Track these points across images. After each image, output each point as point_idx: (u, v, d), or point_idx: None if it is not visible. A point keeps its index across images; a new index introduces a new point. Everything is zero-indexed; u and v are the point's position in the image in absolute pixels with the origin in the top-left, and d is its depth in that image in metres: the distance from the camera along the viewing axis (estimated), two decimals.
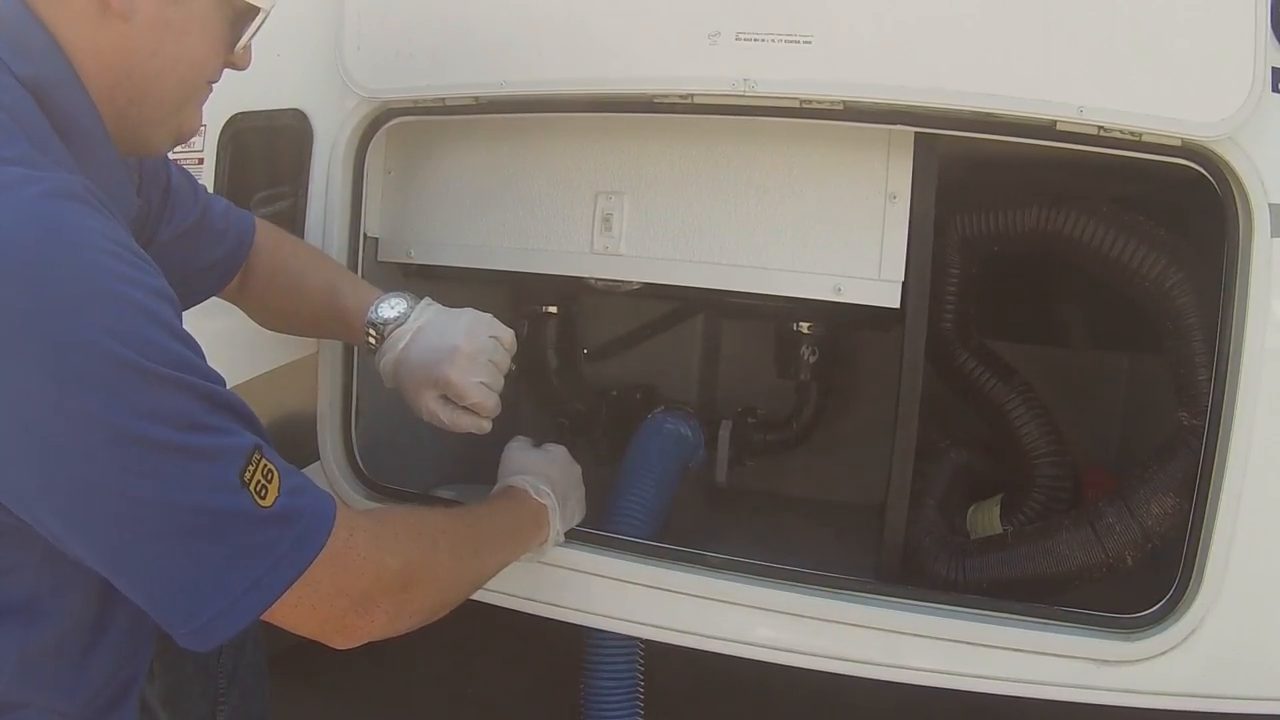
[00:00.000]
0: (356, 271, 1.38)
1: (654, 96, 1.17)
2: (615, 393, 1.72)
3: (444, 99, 1.27)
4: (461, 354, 1.11)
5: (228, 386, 0.79)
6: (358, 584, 0.84)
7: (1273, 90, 1.04)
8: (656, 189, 1.28)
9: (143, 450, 0.71)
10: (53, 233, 0.71)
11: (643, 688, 1.42)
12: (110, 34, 0.86)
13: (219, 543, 0.74)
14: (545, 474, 1.19)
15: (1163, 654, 1.10)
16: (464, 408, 1.13)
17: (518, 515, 1.14)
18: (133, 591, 0.77)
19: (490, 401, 1.13)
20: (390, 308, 1.16)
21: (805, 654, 1.18)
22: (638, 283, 1.35)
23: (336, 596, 0.82)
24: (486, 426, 1.14)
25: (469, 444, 1.71)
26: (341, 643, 0.86)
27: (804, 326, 1.56)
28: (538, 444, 1.26)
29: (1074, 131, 1.07)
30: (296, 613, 0.80)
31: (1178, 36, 1.02)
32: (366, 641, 0.87)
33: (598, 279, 1.37)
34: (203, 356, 0.78)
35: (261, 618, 0.79)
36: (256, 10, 0.94)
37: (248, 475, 0.75)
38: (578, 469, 1.26)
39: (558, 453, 1.24)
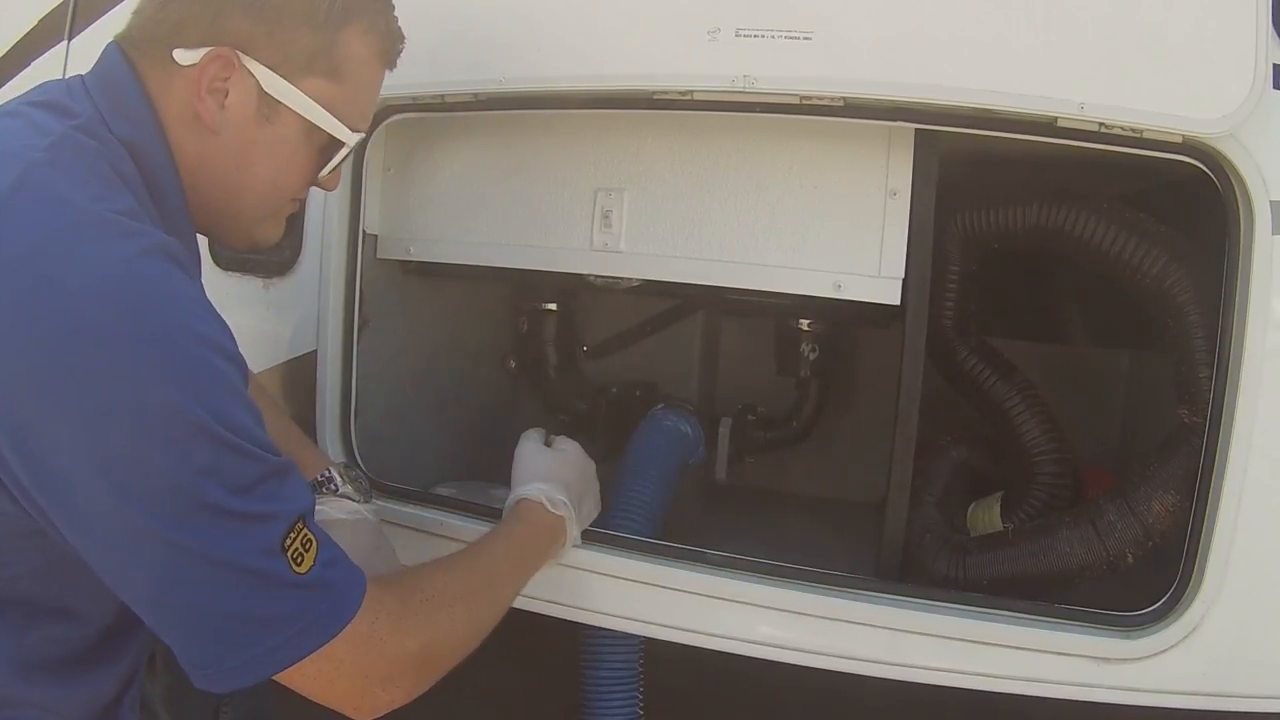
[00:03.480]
0: (356, 270, 1.39)
1: (654, 93, 1.17)
2: (615, 390, 1.72)
3: (443, 96, 1.27)
4: None
5: None
6: (378, 668, 0.85)
7: (1274, 87, 1.04)
8: (656, 186, 1.28)
9: (197, 507, 0.74)
10: (147, 291, 0.74)
11: (642, 686, 1.42)
12: (200, 139, 0.90)
13: (250, 601, 0.76)
14: (560, 479, 1.18)
15: (1163, 652, 1.10)
16: None
17: (534, 537, 1.13)
18: (158, 628, 0.79)
19: None
20: (335, 507, 1.13)
21: (805, 651, 1.18)
22: (637, 279, 1.35)
23: (356, 676, 0.84)
24: None
25: (468, 442, 1.72)
26: (361, 715, 0.87)
27: (804, 323, 1.55)
28: (548, 439, 1.25)
29: (1075, 128, 1.06)
30: (316, 684, 0.82)
31: (1179, 33, 1.02)
32: (383, 713, 0.88)
33: (597, 276, 1.37)
34: (263, 425, 0.81)
35: (283, 683, 0.81)
36: (342, 143, 0.97)
37: (288, 542, 0.78)
38: (592, 465, 1.25)
39: (571, 451, 1.23)
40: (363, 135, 1.00)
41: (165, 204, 0.89)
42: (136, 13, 0.92)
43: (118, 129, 0.86)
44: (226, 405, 0.76)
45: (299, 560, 0.78)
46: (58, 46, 1.82)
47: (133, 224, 0.78)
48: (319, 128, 0.94)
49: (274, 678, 0.81)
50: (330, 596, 0.81)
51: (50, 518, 0.76)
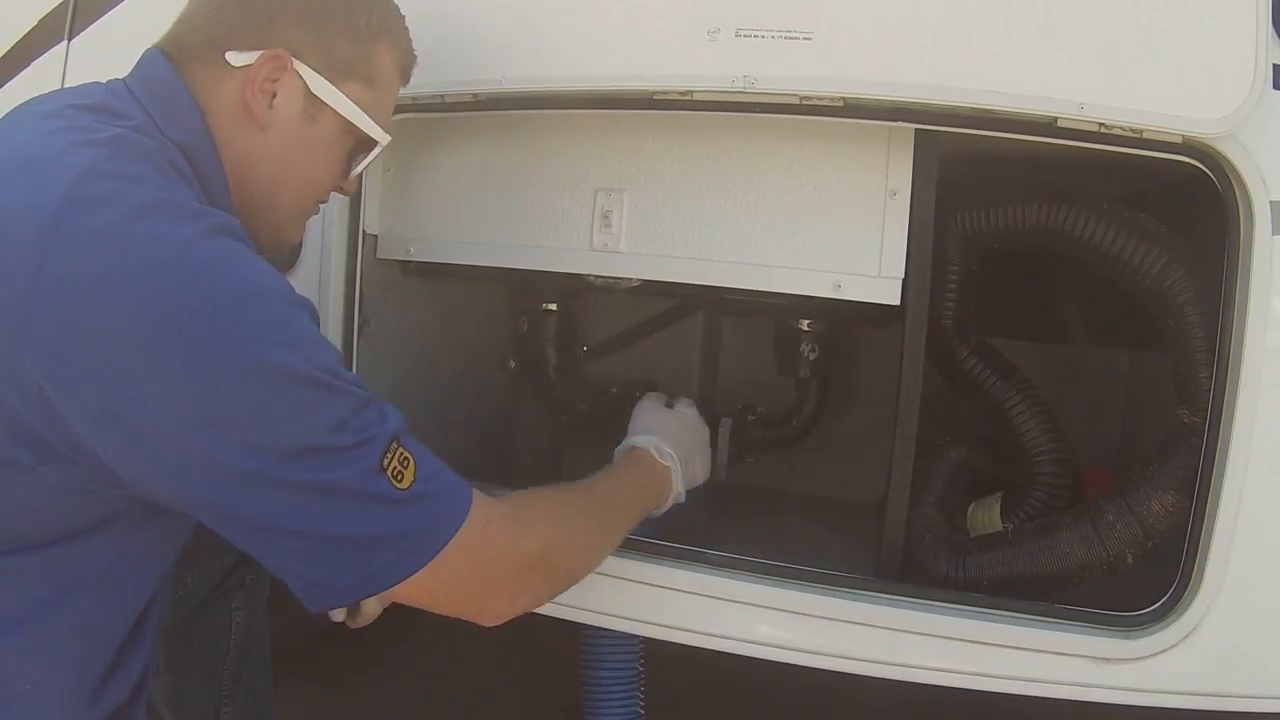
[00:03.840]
0: (356, 269, 1.39)
1: (653, 93, 1.17)
2: (615, 390, 1.72)
3: (442, 95, 1.27)
4: None
5: None
6: (495, 568, 0.90)
7: (1274, 87, 1.04)
8: (656, 186, 1.28)
9: (302, 448, 0.78)
10: (227, 262, 0.79)
11: (643, 686, 1.42)
12: (248, 137, 0.97)
13: (358, 523, 0.81)
14: (671, 435, 1.26)
15: (1163, 652, 1.10)
16: None
17: (643, 483, 1.20)
18: (269, 559, 0.83)
19: (370, 610, 1.10)
20: None
21: (805, 652, 1.18)
22: (637, 280, 1.35)
23: (474, 579, 0.89)
24: (339, 617, 1.10)
25: (468, 442, 1.72)
26: (485, 620, 0.93)
27: (804, 323, 1.55)
28: (670, 402, 1.34)
29: (1075, 128, 1.06)
30: (435, 594, 0.87)
31: (1179, 33, 1.02)
32: (509, 618, 0.94)
33: (597, 276, 1.37)
34: (342, 361, 0.86)
35: (404, 598, 0.86)
36: (374, 143, 1.05)
37: (386, 462, 0.82)
38: (706, 431, 1.33)
39: (688, 412, 1.33)
40: (390, 138, 1.07)
41: (215, 203, 0.93)
42: (183, 19, 0.98)
43: (170, 132, 0.91)
44: (315, 349, 0.81)
45: (399, 478, 0.82)
46: (58, 47, 1.82)
47: (200, 206, 0.83)
48: (353, 129, 1.02)
49: (399, 598, 0.86)
50: (435, 507, 0.85)
51: (153, 481, 0.79)
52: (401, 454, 0.83)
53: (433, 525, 0.84)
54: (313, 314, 0.84)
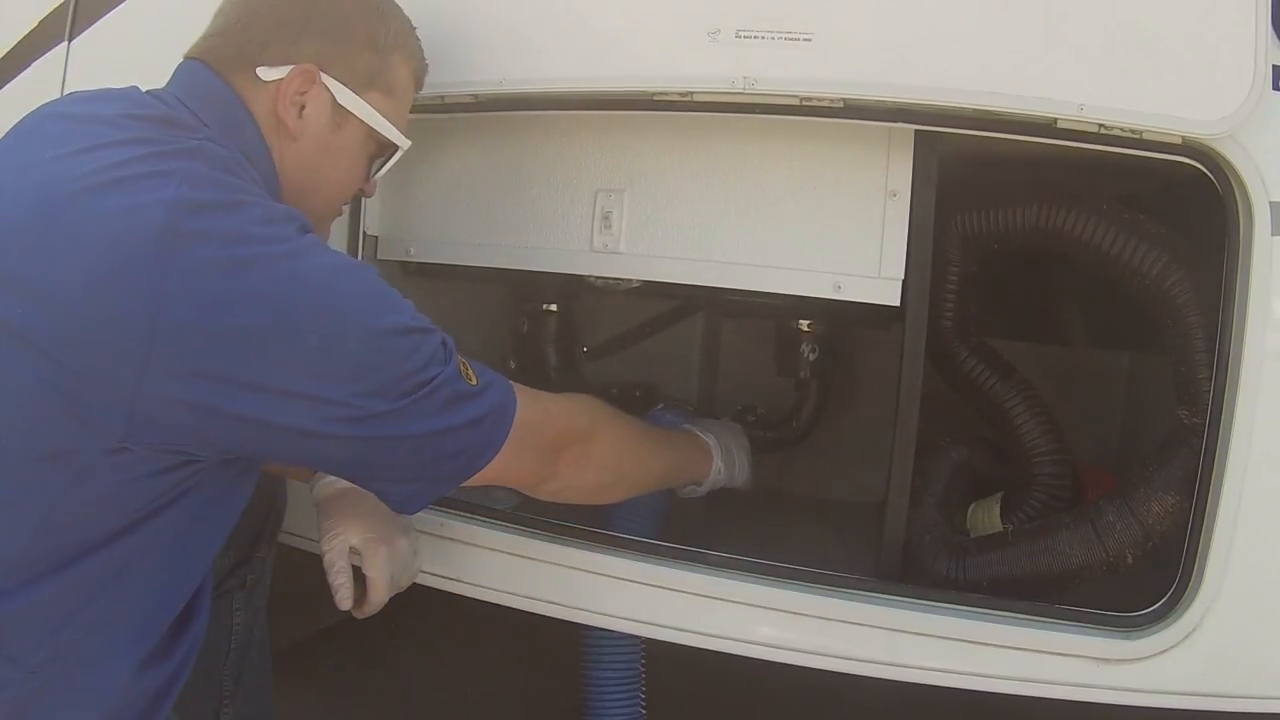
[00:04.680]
0: None
1: (654, 94, 1.17)
2: (615, 390, 1.72)
3: (443, 96, 1.27)
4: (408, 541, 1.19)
5: None
6: (551, 430, 1.05)
7: (1274, 88, 1.04)
8: (656, 187, 1.28)
9: (413, 383, 0.89)
10: (315, 248, 0.89)
11: (644, 687, 1.42)
12: (281, 147, 1.02)
13: (458, 419, 0.93)
14: (704, 425, 1.41)
15: (1163, 652, 1.10)
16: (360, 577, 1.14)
17: (685, 441, 1.36)
18: (375, 480, 0.96)
19: (378, 599, 1.14)
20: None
21: (805, 652, 1.18)
22: (637, 280, 1.35)
23: (539, 445, 1.03)
24: (346, 605, 1.13)
25: None
26: (547, 490, 1.09)
27: (804, 324, 1.55)
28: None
29: (1074, 129, 1.06)
30: (506, 461, 0.98)
31: (1178, 34, 1.02)
32: (566, 493, 1.11)
33: (597, 277, 1.37)
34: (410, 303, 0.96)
35: (485, 480, 0.99)
36: (395, 148, 1.12)
37: (460, 370, 0.94)
38: (743, 436, 1.45)
39: (725, 421, 1.48)
40: (410, 144, 1.13)
41: None
42: (215, 34, 1.03)
43: (231, 141, 0.96)
44: (400, 301, 0.92)
45: (470, 377, 0.95)
46: (58, 48, 1.82)
47: (279, 205, 0.91)
48: (375, 135, 1.08)
49: (484, 478, 0.98)
50: (499, 390, 0.98)
51: (283, 445, 0.88)
52: (464, 362, 0.95)
53: (501, 404, 0.97)
54: (374, 271, 0.94)
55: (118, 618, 0.90)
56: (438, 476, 0.96)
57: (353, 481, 1.00)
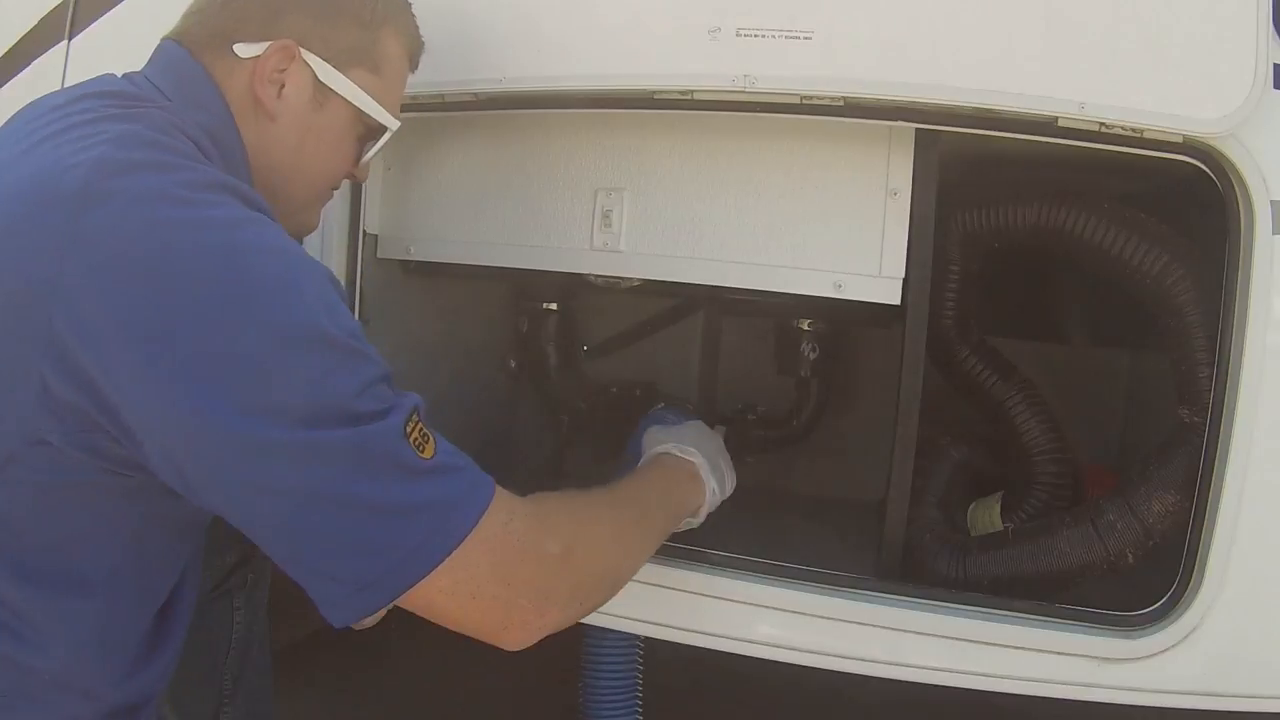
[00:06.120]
0: (356, 269, 1.39)
1: (654, 92, 1.17)
2: (615, 389, 1.72)
3: (442, 95, 1.27)
4: None
5: None
6: (519, 571, 0.82)
7: (1274, 87, 1.04)
8: (656, 185, 1.28)
9: (326, 410, 0.75)
10: (248, 228, 0.79)
11: (641, 686, 1.42)
12: (259, 127, 0.98)
13: (383, 492, 0.76)
14: (687, 438, 1.22)
15: (1163, 652, 1.10)
16: None
17: (671, 477, 1.15)
18: (291, 554, 0.78)
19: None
20: None
21: (805, 651, 1.18)
22: (637, 279, 1.35)
23: (497, 584, 0.81)
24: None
25: (468, 442, 1.71)
26: (510, 638, 0.84)
27: (804, 323, 1.55)
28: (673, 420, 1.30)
29: (1075, 128, 1.06)
30: (455, 600, 0.80)
31: (1179, 33, 1.02)
32: (539, 637, 0.85)
33: (597, 275, 1.37)
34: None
35: (426, 611, 0.80)
36: (383, 129, 1.06)
37: (409, 429, 0.79)
38: (719, 438, 1.29)
39: (697, 424, 1.29)
40: (400, 124, 1.07)
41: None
42: (192, 13, 0.99)
43: (195, 116, 0.91)
44: (341, 311, 0.80)
45: (421, 449, 0.79)
46: (58, 47, 1.82)
47: (228, 178, 0.83)
48: (363, 116, 1.03)
49: (411, 609, 0.80)
50: (461, 481, 0.81)
51: (175, 453, 0.76)
52: (421, 429, 0.80)
53: (456, 502, 0.79)
54: (336, 284, 0.84)
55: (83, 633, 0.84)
56: (360, 575, 0.76)
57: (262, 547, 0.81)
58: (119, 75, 0.96)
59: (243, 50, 0.96)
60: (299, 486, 0.75)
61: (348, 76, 1.00)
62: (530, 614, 0.84)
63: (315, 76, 0.99)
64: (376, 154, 1.09)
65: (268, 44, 0.96)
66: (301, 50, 0.97)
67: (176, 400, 0.74)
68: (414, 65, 1.11)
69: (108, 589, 0.85)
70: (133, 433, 0.76)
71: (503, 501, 0.83)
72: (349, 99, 1.01)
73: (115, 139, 0.79)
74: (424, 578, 0.77)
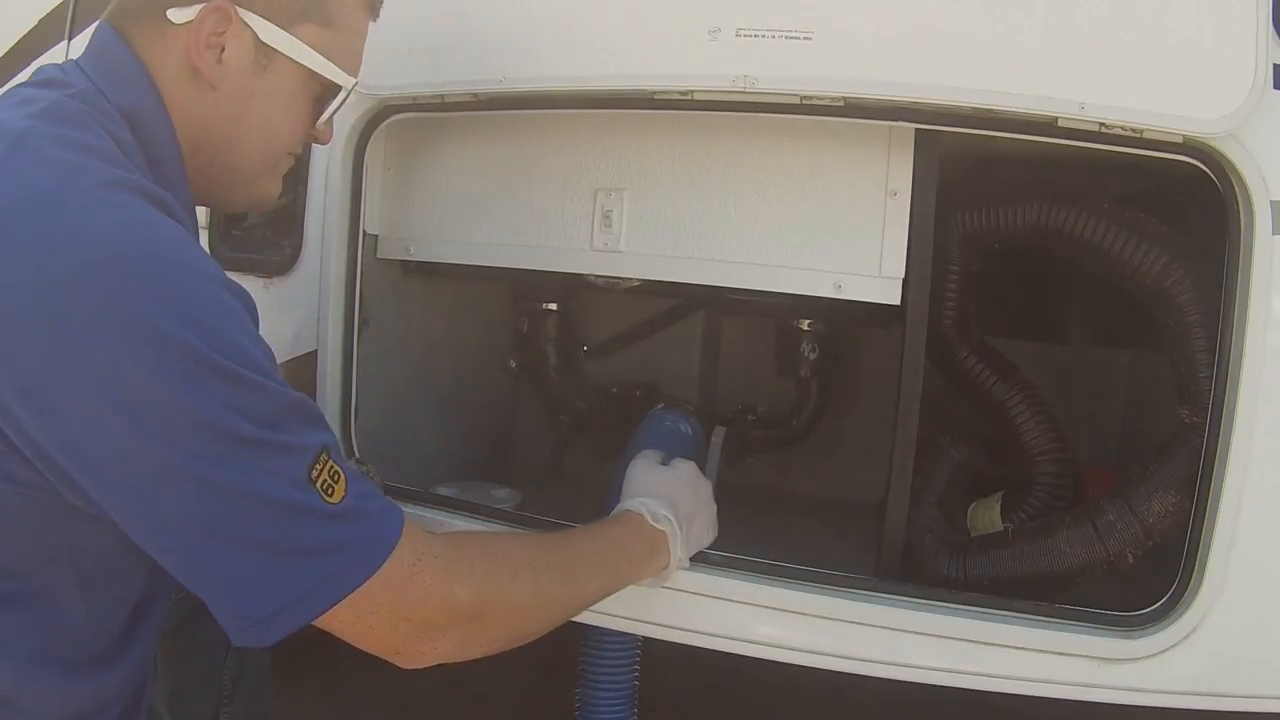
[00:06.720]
0: (356, 269, 1.39)
1: (654, 93, 1.17)
2: (615, 390, 1.72)
3: (443, 96, 1.27)
4: None
5: None
6: (420, 611, 0.82)
7: (1274, 87, 1.04)
8: (656, 186, 1.28)
9: (217, 439, 0.73)
10: (144, 235, 0.75)
11: (640, 687, 1.42)
12: (199, 97, 0.92)
13: (283, 534, 0.75)
14: (668, 496, 1.13)
15: (1164, 652, 1.10)
16: None
17: (624, 542, 1.07)
18: (192, 578, 0.78)
19: None
20: None
21: (805, 651, 1.18)
22: (637, 280, 1.35)
23: (397, 620, 0.81)
24: None
25: (469, 442, 1.72)
26: (403, 664, 0.85)
27: (804, 323, 1.55)
28: (666, 460, 1.21)
29: (1075, 128, 1.06)
30: (355, 628, 0.80)
31: (1179, 33, 1.02)
32: (433, 663, 0.86)
33: (597, 276, 1.37)
34: (274, 362, 0.81)
35: (325, 628, 0.80)
36: (339, 88, 0.99)
37: (315, 473, 0.76)
38: (708, 486, 1.20)
39: (685, 470, 1.19)
40: (357, 81, 1.01)
41: (165, 173, 0.90)
42: None
43: (115, 98, 0.87)
44: (236, 338, 0.76)
45: (329, 491, 0.77)
46: (58, 46, 1.82)
47: (119, 173, 0.79)
48: (315, 75, 0.96)
49: (317, 625, 0.79)
50: (366, 526, 0.79)
51: (73, 476, 0.75)
52: (332, 467, 0.78)
53: (364, 544, 0.79)
54: (245, 302, 0.81)
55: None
56: (255, 610, 0.76)
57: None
58: (58, 64, 0.93)
59: (176, 15, 0.89)
60: (190, 519, 0.74)
61: (294, 34, 0.93)
62: (424, 645, 0.84)
63: (256, 37, 0.92)
64: (336, 112, 1.02)
65: (202, 5, 0.89)
66: (239, 9, 0.90)
67: (69, 421, 0.73)
68: (374, 13, 1.03)
69: (41, 605, 0.83)
70: (43, 452, 0.75)
71: (412, 544, 0.82)
72: (296, 58, 0.94)
73: (10, 146, 0.77)
74: (322, 614, 0.77)
